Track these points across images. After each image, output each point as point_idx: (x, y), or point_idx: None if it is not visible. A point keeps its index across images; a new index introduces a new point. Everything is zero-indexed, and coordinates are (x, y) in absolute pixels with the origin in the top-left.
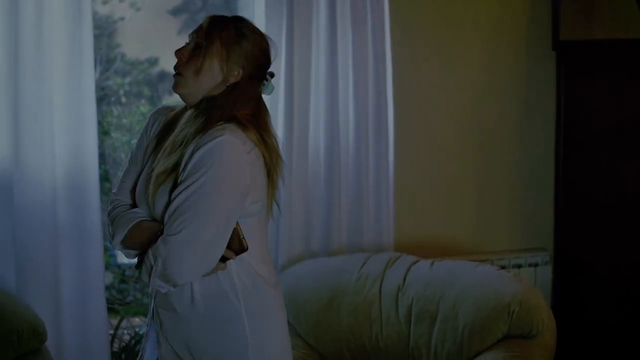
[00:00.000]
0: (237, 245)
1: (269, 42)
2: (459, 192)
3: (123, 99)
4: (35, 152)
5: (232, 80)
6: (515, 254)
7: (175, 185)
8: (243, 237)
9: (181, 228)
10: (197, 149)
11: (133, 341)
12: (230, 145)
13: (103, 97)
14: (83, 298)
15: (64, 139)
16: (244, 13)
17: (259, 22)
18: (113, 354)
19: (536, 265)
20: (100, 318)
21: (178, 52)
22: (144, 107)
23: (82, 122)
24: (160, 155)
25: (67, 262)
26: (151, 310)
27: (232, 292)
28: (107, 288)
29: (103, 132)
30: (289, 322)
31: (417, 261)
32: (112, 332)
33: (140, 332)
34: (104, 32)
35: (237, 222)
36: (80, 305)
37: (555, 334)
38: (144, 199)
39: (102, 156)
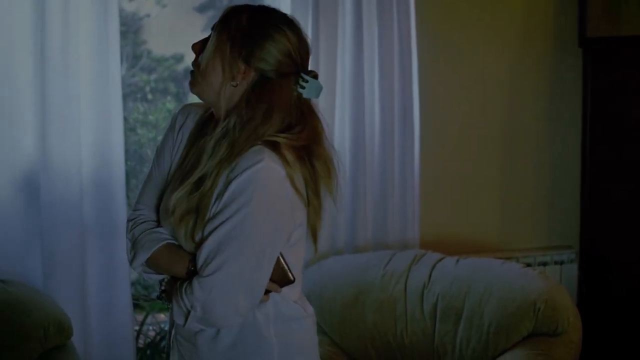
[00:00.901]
0: (280, 278)
1: (300, 40)
2: (484, 189)
3: (149, 96)
4: (61, 148)
5: (239, 79)
6: (541, 252)
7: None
8: (289, 269)
9: (218, 268)
10: (233, 178)
11: (158, 337)
12: (270, 173)
13: (129, 94)
14: (109, 294)
15: (90, 135)
16: None
17: None
18: (138, 349)
19: (562, 263)
20: (126, 314)
21: (193, 46)
22: (170, 104)
23: (108, 119)
24: (183, 184)
25: (93, 258)
26: (170, 338)
27: (265, 322)
28: (133, 284)
29: (129, 128)
30: None
31: (442, 258)
32: (137, 328)
33: (166, 328)
34: (130, 29)
35: (280, 252)
36: (106, 301)
37: (580, 331)
38: (169, 218)
39: (128, 153)
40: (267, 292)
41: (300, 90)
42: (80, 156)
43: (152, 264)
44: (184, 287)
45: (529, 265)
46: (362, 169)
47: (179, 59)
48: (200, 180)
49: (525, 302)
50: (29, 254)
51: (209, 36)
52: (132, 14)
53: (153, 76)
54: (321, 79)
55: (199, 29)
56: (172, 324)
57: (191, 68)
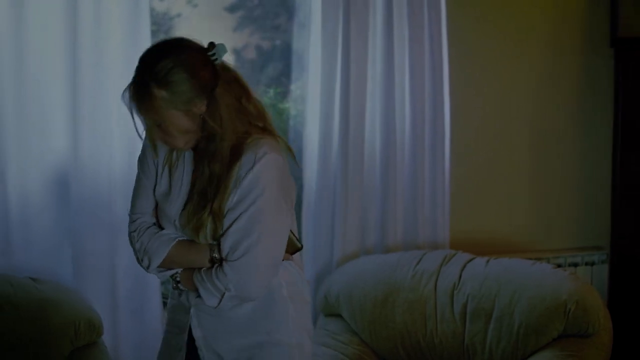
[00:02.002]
0: (291, 247)
1: (192, 46)
2: (515, 189)
3: None
4: (92, 147)
5: (204, 110)
6: (572, 252)
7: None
8: (297, 238)
9: (246, 251)
10: (245, 174)
11: None
12: (275, 162)
13: None
14: (139, 293)
15: (121, 134)
16: (300, 10)
17: (315, 18)
18: None
19: (593, 264)
20: (156, 313)
21: (152, 139)
22: None
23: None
24: (192, 203)
25: (123, 256)
26: (188, 316)
27: (279, 286)
28: (163, 283)
29: None
30: (344, 319)
31: (472, 259)
32: None
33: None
34: (161, 28)
35: None
36: (136, 300)
37: (611, 333)
38: (172, 223)
39: None
40: None
41: (217, 61)
42: (110, 156)
43: (167, 262)
44: (214, 272)
45: (559, 266)
46: (392, 169)
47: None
48: (204, 194)
49: (555, 303)
50: (60, 252)
51: (148, 122)
52: (163, 14)
53: None
54: (352, 82)
55: (229, 29)
56: (187, 305)
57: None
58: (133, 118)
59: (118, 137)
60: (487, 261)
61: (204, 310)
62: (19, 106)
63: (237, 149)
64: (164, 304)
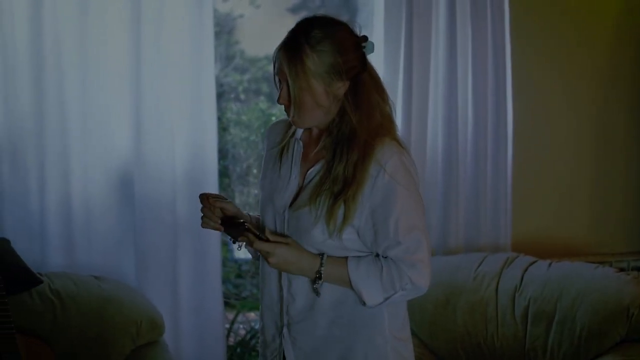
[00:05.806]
0: None
1: (348, 29)
2: (577, 192)
3: (242, 96)
4: (156, 147)
5: (342, 92)
6: (635, 256)
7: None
8: None
9: (418, 244)
10: (383, 174)
11: (248, 336)
12: (409, 161)
13: (222, 94)
14: (200, 292)
15: (184, 135)
16: (363, 9)
17: (378, 18)
18: (228, 347)
19: None
20: (217, 312)
21: (279, 101)
22: (263, 104)
23: (202, 119)
24: (322, 198)
25: (185, 257)
26: (280, 337)
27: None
28: (224, 282)
29: (222, 128)
30: None
31: (534, 262)
32: (227, 326)
33: (256, 327)
34: (224, 29)
35: None
36: (198, 299)
37: None
38: (280, 213)
39: (221, 152)
40: None
41: (366, 54)
42: (173, 155)
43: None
44: (392, 269)
45: (622, 269)
46: (454, 171)
47: (271, 59)
48: (335, 181)
49: (618, 307)
50: (123, 251)
51: (285, 85)
52: (225, 15)
53: (246, 76)
54: (414, 83)
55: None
56: (280, 325)
57: (287, 117)
58: (276, 84)
59: (181, 137)
60: (549, 264)
61: (298, 325)
62: (83, 107)
63: (369, 146)
64: (225, 303)
